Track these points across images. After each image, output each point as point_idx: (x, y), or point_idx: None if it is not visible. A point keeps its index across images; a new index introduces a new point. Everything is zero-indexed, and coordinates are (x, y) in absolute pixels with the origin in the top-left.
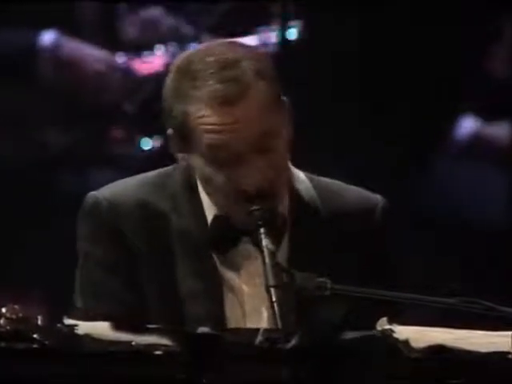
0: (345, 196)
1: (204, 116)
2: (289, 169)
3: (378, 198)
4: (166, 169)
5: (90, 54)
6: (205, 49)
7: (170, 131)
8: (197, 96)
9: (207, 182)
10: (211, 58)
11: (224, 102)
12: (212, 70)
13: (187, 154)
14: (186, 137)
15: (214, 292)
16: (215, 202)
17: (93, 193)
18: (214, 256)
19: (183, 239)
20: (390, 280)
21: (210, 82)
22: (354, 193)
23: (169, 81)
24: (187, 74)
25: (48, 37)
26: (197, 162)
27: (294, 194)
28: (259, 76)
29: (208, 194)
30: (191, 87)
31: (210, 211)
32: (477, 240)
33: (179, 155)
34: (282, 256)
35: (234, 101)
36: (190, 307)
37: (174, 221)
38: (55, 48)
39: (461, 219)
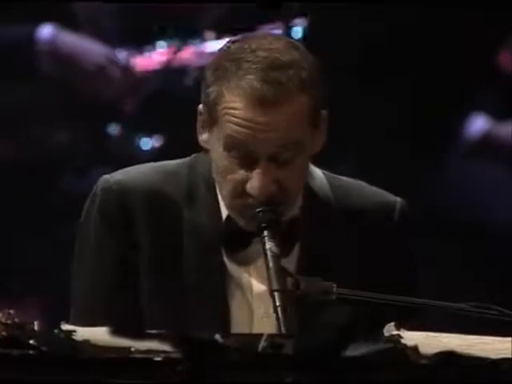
0: (362, 196)
1: (235, 108)
2: (303, 182)
3: (396, 199)
4: (185, 159)
5: (89, 48)
6: (261, 40)
7: (201, 107)
8: (235, 84)
9: (220, 173)
10: (263, 53)
11: (259, 102)
12: (259, 66)
13: (209, 137)
14: (213, 116)
15: (222, 292)
16: (224, 197)
17: (105, 176)
18: (224, 253)
19: (194, 233)
20: (409, 285)
21: (252, 77)
22: (371, 193)
23: (217, 57)
24: (235, 58)
25: (46, 31)
26: (216, 147)
27: (309, 193)
28: (304, 87)
29: (219, 184)
30: (234, 73)
31: (225, 207)
32: (489, 241)
33: (203, 135)
34: (295, 258)
35: (270, 104)
36: (195, 306)
37: (186, 213)
38: (53, 42)
39: (472, 219)
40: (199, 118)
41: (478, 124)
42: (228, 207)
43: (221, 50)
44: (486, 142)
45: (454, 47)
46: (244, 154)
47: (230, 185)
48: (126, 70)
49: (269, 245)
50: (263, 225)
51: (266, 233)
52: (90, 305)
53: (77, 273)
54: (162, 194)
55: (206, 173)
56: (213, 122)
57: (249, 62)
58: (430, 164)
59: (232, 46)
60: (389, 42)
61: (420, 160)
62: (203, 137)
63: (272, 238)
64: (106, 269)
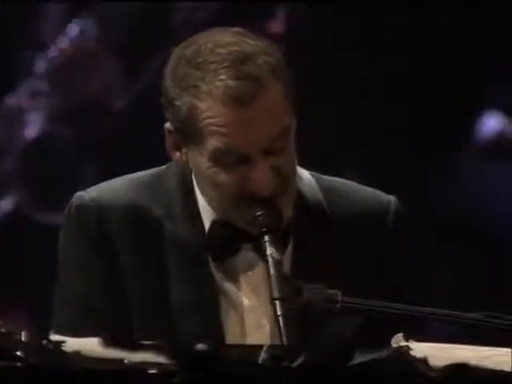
0: (354, 197)
1: (215, 116)
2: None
3: (390, 199)
4: (159, 169)
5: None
6: (213, 37)
7: (168, 125)
8: (207, 91)
9: (209, 184)
10: (223, 50)
11: (238, 100)
12: (225, 64)
13: (187, 152)
14: (189, 132)
15: (211, 305)
16: (215, 206)
17: (79, 193)
18: (212, 265)
19: (177, 247)
20: (405, 292)
21: (223, 77)
22: (364, 194)
23: (173, 67)
24: (195, 63)
25: None
26: (199, 161)
27: (298, 196)
28: (275, 74)
29: (208, 196)
30: (200, 79)
31: (207, 216)
32: (502, 244)
33: (176, 154)
34: (286, 264)
35: (250, 100)
36: (184, 322)
37: (167, 227)
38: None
39: (484, 221)
40: (169, 137)
41: (491, 124)
42: (224, 214)
43: (172, 58)
44: (499, 142)
45: (465, 45)
46: (237, 157)
47: (225, 190)
48: (117, 68)
49: (270, 250)
50: (263, 229)
51: (266, 238)
52: (82, 326)
53: (62, 293)
54: (140, 209)
55: (181, 182)
56: (190, 136)
57: (213, 62)
58: (441, 165)
59: (185, 52)
60: (397, 39)
61: (430, 161)
62: (177, 155)
63: (272, 243)
64: (87, 294)
